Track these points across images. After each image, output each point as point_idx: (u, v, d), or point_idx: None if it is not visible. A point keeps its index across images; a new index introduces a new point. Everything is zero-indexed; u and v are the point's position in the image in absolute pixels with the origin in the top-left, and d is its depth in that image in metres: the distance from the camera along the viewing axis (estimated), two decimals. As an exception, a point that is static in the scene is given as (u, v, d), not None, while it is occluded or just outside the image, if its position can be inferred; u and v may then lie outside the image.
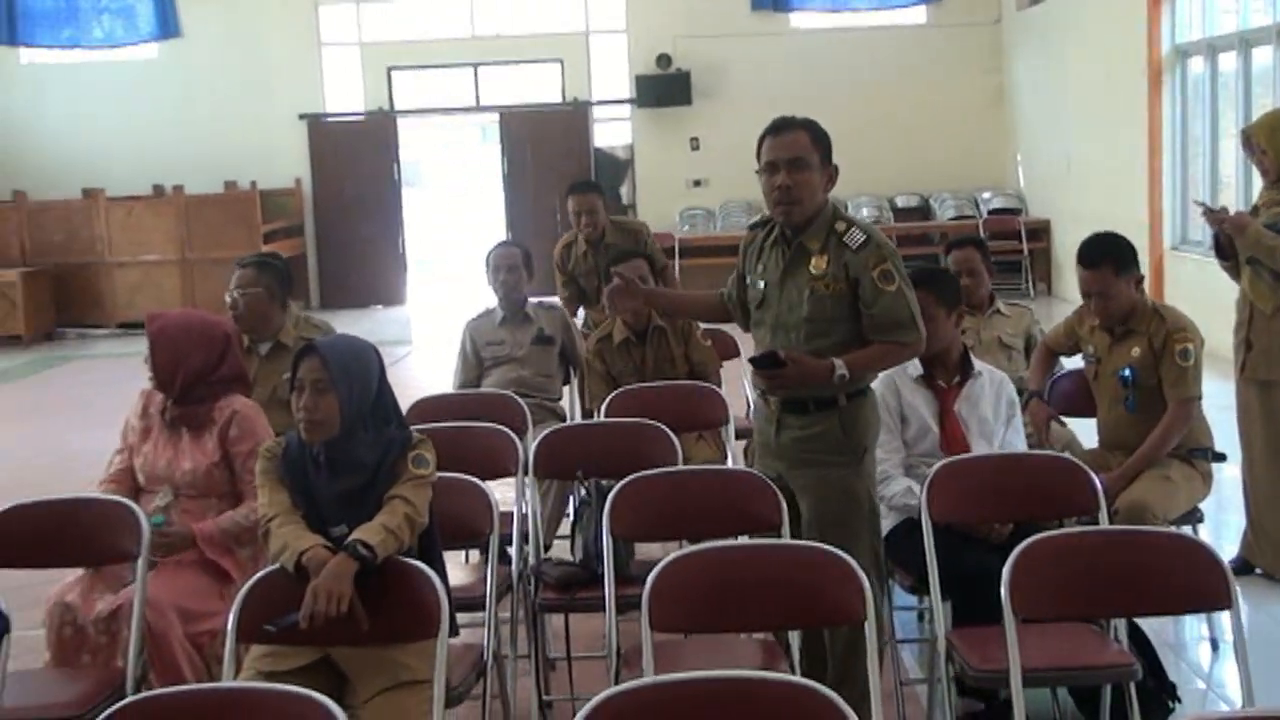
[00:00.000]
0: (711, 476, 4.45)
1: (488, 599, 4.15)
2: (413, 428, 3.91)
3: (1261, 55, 11.07)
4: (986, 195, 16.61)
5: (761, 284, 4.26)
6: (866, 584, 3.36)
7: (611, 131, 17.66)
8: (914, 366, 4.66)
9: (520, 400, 5.66)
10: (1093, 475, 4.18)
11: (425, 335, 15.03)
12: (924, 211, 16.87)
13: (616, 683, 3.27)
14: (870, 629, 3.36)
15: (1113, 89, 13.34)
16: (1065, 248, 14.78)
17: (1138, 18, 12.50)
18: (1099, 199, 13.47)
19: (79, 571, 4.27)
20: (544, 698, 4.61)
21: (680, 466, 4.66)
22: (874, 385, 4.45)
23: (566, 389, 6.76)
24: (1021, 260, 15.67)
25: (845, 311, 4.10)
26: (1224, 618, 4.48)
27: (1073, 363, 5.50)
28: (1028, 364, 5.59)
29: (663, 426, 4.87)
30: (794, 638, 3.82)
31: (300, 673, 3.46)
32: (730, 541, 3.97)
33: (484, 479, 4.39)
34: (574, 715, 2.57)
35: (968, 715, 4.25)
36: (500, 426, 5.02)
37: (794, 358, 4.02)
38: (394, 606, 3.49)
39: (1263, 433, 5.72)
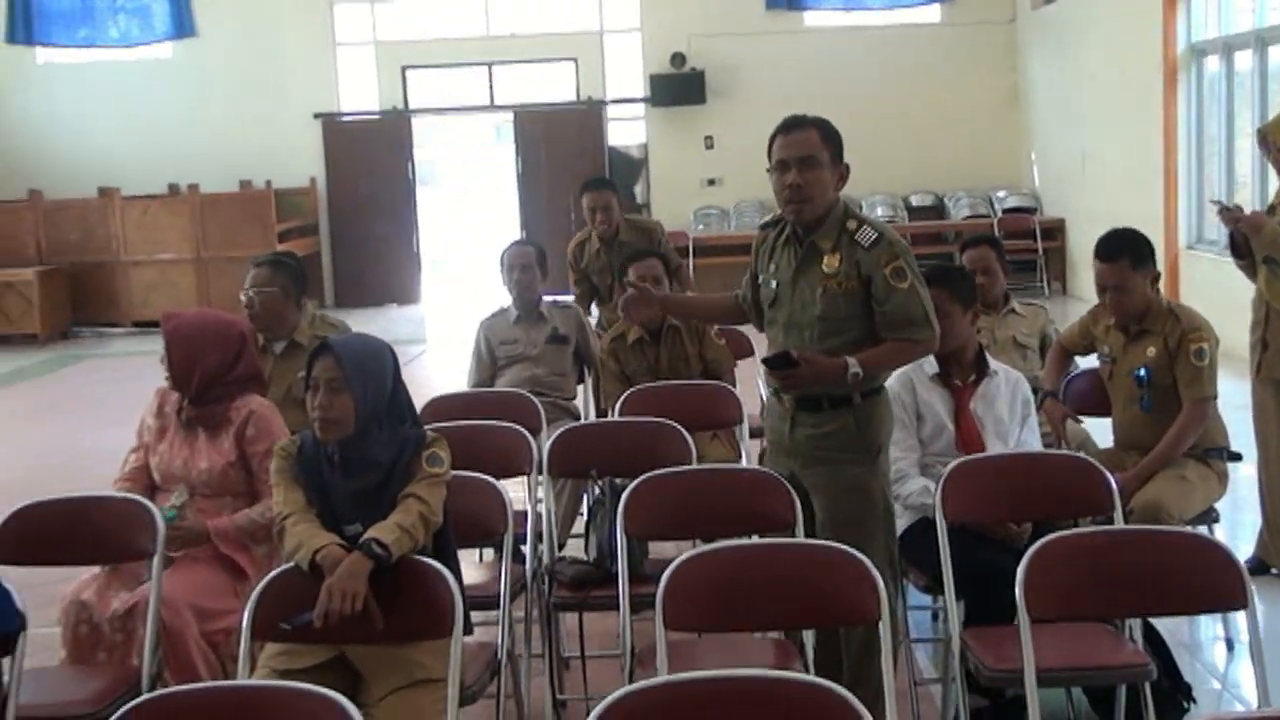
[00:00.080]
0: (726, 475, 4.44)
1: (502, 598, 4.15)
2: (427, 426, 3.92)
3: (1278, 54, 11.04)
4: (1001, 194, 16.57)
5: (774, 283, 4.26)
6: (881, 583, 3.36)
7: (626, 130, 17.66)
8: (929, 365, 4.65)
9: (534, 399, 5.66)
10: (1108, 475, 4.17)
11: (439, 334, 15.04)
12: (939, 210, 16.85)
13: (630, 682, 3.28)
14: (885, 629, 3.35)
15: (1128, 88, 13.31)
16: (1080, 247, 14.75)
17: (1153, 16, 12.47)
18: (1114, 198, 13.43)
19: (95, 569, 4.29)
20: (558, 697, 4.62)
21: (694, 465, 4.66)
22: (889, 383, 4.45)
23: (581, 388, 6.76)
24: (1036, 259, 15.64)
25: (858, 310, 4.10)
26: (1240, 618, 4.47)
27: (1088, 362, 5.49)
28: (1043, 363, 5.59)
29: (677, 426, 4.86)
30: (808, 637, 3.81)
31: (315, 671, 3.47)
32: (744, 541, 3.97)
33: (498, 478, 4.38)
34: (588, 714, 2.56)
35: (973, 712, 4.24)
36: (515, 425, 5.02)
37: (807, 357, 4.02)
38: (408, 605, 3.49)
39: (1278, 432, 5.70)
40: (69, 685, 3.89)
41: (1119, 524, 4.09)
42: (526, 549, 4.61)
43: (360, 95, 17.62)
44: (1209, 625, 5.31)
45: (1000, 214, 16.23)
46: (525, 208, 17.55)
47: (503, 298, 6.61)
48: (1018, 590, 3.45)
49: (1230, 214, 5.68)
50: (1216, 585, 3.46)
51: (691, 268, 14.25)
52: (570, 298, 7.38)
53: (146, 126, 17.15)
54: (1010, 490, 4.21)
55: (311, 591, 3.42)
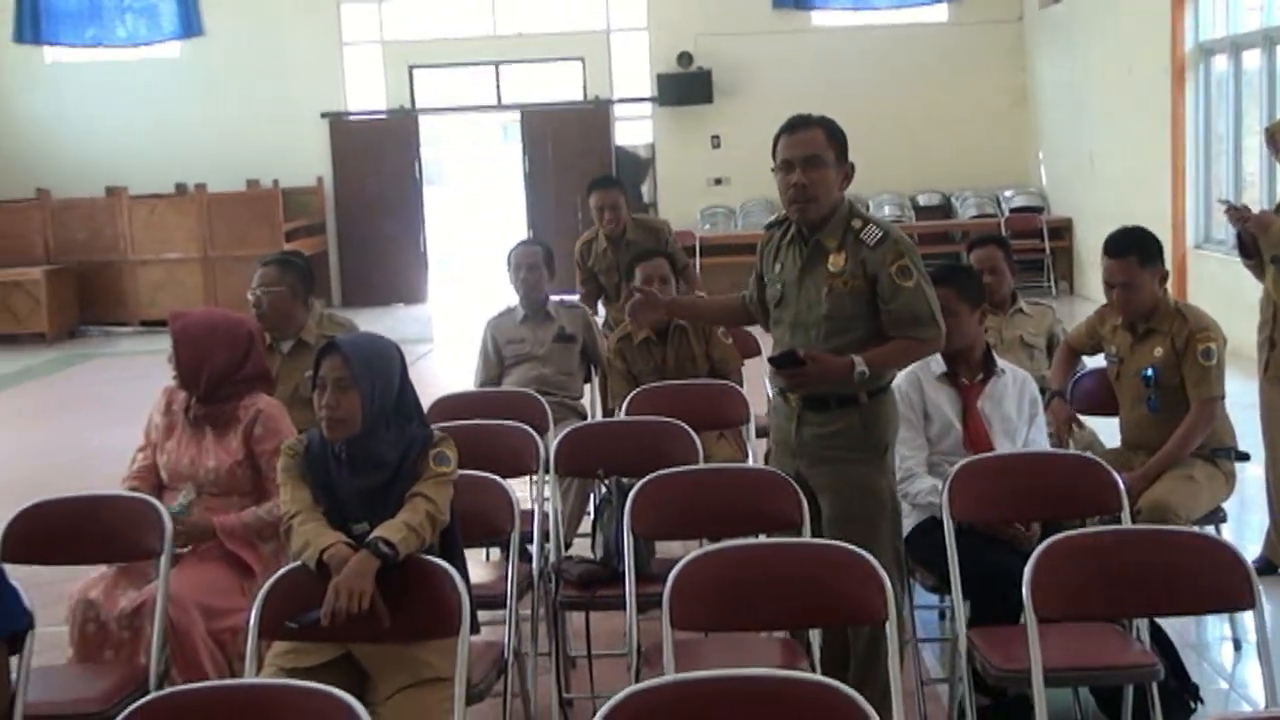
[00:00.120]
0: (732, 475, 4.45)
1: (508, 597, 4.15)
2: (434, 426, 3.91)
3: (1286, 53, 11.03)
4: (1008, 193, 16.55)
5: (779, 283, 4.26)
6: (888, 583, 3.35)
7: (632, 130, 17.66)
8: (937, 364, 4.65)
9: (541, 398, 5.65)
10: (1115, 475, 4.16)
11: (446, 333, 15.06)
12: (945, 210, 16.83)
13: (637, 681, 3.28)
14: (891, 628, 3.35)
15: (1136, 87, 13.29)
16: (1088, 246, 14.74)
17: (1161, 15, 12.45)
18: (1122, 197, 13.40)
19: (102, 568, 4.29)
20: (564, 696, 4.62)
21: (701, 465, 4.66)
22: (897, 382, 4.45)
23: (588, 387, 6.76)
24: (1044, 259, 15.61)
25: (864, 309, 4.10)
26: (1247, 618, 4.46)
27: (1095, 361, 5.49)
28: (1050, 363, 5.58)
29: (684, 425, 4.86)
30: (815, 636, 3.81)
31: (321, 670, 3.47)
32: (751, 540, 3.96)
33: (505, 477, 4.39)
34: (594, 713, 2.56)
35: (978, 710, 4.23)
36: (521, 425, 5.02)
37: (813, 356, 4.02)
38: (415, 604, 3.50)
39: (1287, 432, 5.70)
40: (77, 684, 3.89)
41: (1126, 524, 4.09)
42: (533, 548, 4.60)
43: (367, 95, 17.63)
44: (1216, 625, 5.29)
45: (1007, 213, 16.21)
46: (532, 207, 17.56)
47: (510, 297, 6.62)
48: (1025, 590, 3.45)
49: (1238, 213, 5.68)
50: (1224, 585, 3.46)
51: (698, 267, 14.21)
52: (576, 297, 7.37)
53: (154, 126, 17.17)
54: (1016, 490, 4.21)
55: (318, 590, 3.43)
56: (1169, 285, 5.16)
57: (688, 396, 5.49)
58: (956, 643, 3.94)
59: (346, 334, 4.43)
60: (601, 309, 7.59)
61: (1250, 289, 5.94)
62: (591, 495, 5.43)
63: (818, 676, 2.75)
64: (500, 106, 17.88)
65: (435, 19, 17.43)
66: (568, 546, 5.14)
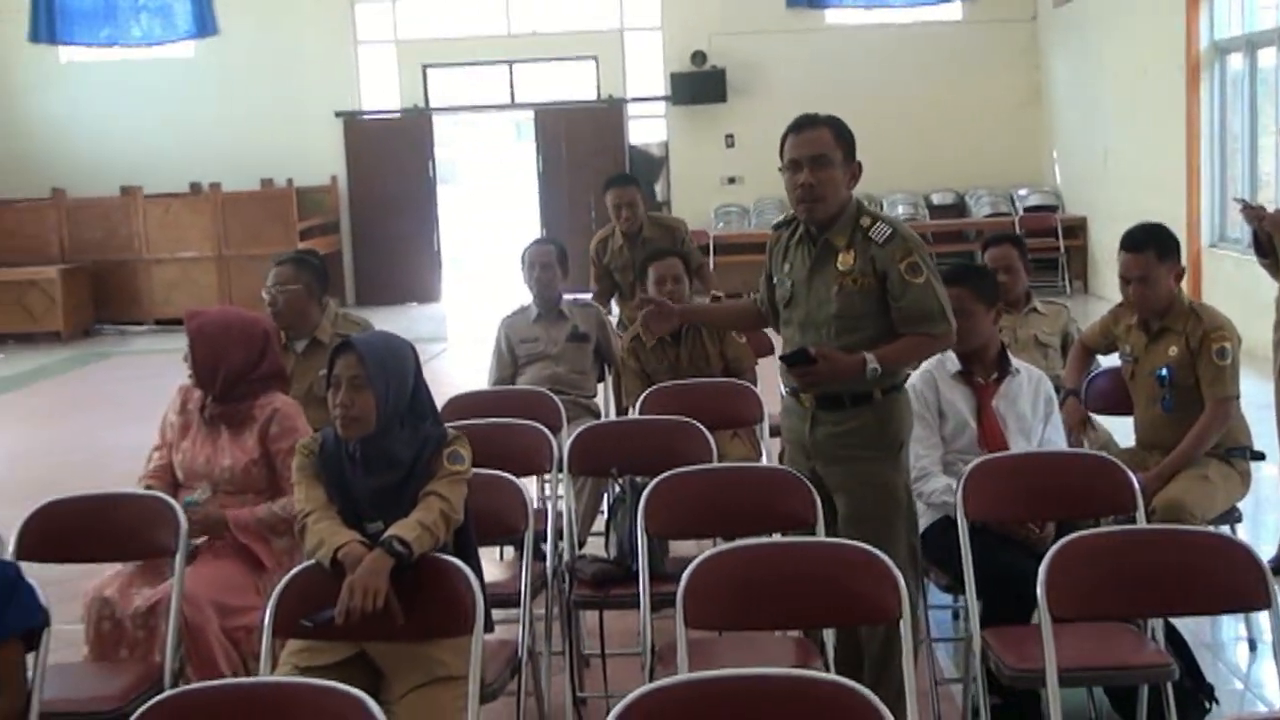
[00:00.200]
0: (746, 474, 4.45)
1: (522, 595, 4.15)
2: (448, 424, 3.92)
3: (1302, 51, 11.00)
4: (1023, 192, 16.53)
5: (789, 282, 4.25)
6: (902, 582, 3.35)
7: (646, 129, 17.67)
8: (952, 363, 4.64)
9: (555, 397, 5.65)
10: (1130, 474, 4.15)
11: (460, 332, 15.08)
12: (960, 209, 16.82)
13: (651, 680, 3.28)
14: (906, 628, 3.34)
15: (1150, 85, 13.25)
16: (1102, 245, 14.71)
17: (1176, 13, 12.42)
18: (1136, 196, 13.37)
19: (117, 566, 4.31)
20: (578, 694, 4.62)
21: (715, 464, 4.66)
22: (912, 380, 4.44)
23: (601, 386, 6.76)
24: (1058, 258, 15.59)
25: (874, 306, 4.09)
26: (1262, 618, 4.43)
27: (1110, 360, 5.47)
28: (1064, 362, 5.56)
29: (697, 424, 4.86)
30: (828, 636, 3.81)
31: (335, 668, 3.48)
32: (765, 539, 3.96)
33: (519, 476, 4.40)
34: (608, 712, 2.57)
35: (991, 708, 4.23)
36: (535, 423, 5.03)
37: (825, 354, 4.02)
38: (429, 602, 3.50)
39: (1302, 432, 5.68)
40: (92, 681, 3.90)
41: (1141, 523, 4.08)
42: (547, 547, 4.61)
43: (381, 94, 17.66)
44: (1231, 625, 5.29)
45: (1022, 212, 16.19)
46: (546, 206, 17.57)
47: (523, 296, 6.62)
48: (1039, 589, 3.45)
49: (1253, 212, 5.67)
50: (1239, 585, 3.45)
51: (712, 266, 14.22)
52: (589, 295, 7.37)
53: (168, 125, 17.22)
54: (1031, 489, 4.20)
55: (333, 589, 3.43)
56: (1184, 284, 5.14)
57: (701, 395, 5.49)
58: (970, 642, 3.94)
59: (361, 333, 4.43)
60: (615, 307, 7.58)
61: (1266, 288, 5.92)
62: (605, 494, 5.42)
63: (832, 676, 2.75)
64: (514, 105, 17.90)
65: (449, 18, 17.45)
66: (581, 545, 5.15)
